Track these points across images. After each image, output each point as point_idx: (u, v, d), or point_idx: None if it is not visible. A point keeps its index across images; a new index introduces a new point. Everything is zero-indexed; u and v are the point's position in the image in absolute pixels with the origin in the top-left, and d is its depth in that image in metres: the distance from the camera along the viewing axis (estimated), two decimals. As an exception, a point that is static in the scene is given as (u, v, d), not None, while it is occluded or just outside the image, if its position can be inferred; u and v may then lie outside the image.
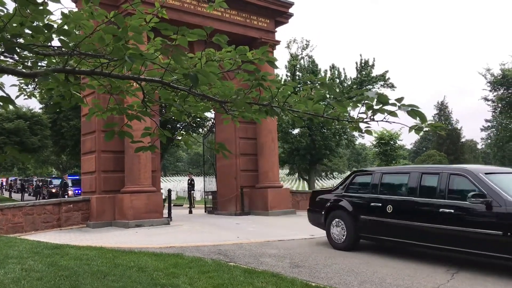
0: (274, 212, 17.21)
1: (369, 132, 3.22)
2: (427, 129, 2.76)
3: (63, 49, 2.93)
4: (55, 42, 3.04)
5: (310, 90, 3.03)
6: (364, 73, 33.89)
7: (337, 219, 9.68)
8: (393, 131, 32.38)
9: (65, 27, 2.84)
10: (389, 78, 34.03)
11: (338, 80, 34.51)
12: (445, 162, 51.23)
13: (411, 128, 2.75)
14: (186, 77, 2.70)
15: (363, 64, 34.20)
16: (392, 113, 2.66)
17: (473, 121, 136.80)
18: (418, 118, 2.65)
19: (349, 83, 34.25)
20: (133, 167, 14.25)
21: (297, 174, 63.54)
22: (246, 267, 7.51)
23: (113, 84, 3.41)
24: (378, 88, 34.18)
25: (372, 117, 2.79)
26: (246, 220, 15.79)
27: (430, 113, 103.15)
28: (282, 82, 2.74)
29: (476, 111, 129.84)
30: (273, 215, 17.00)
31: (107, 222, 14.17)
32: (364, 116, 2.84)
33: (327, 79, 34.46)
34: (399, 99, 2.79)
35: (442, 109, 75.85)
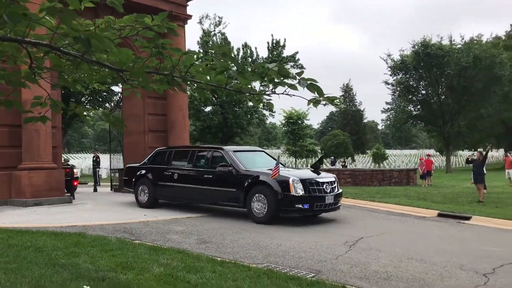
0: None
1: (270, 105, 3.25)
2: (324, 102, 2.83)
3: None
4: None
5: (212, 60, 2.96)
6: (275, 53, 34.42)
7: (142, 186, 12.51)
8: (301, 111, 33.40)
9: None
10: (299, 59, 34.91)
11: (250, 59, 34.71)
12: (348, 141, 54.06)
13: (309, 101, 2.80)
14: (77, 41, 2.50)
15: (274, 44, 34.68)
16: (292, 86, 2.69)
17: (375, 104, 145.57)
18: (316, 93, 2.71)
19: (261, 62, 34.62)
20: (31, 142, 13.26)
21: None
22: (152, 244, 7.37)
23: (-4, 47, 3.07)
24: (289, 68, 34.90)
25: (273, 90, 2.81)
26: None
27: (337, 94, 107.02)
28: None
29: (378, 94, 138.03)
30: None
31: (1, 201, 13.13)
32: (266, 89, 2.85)
33: (239, 58, 34.55)
34: (299, 73, 2.83)
35: (347, 91, 79.46)
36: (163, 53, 2.78)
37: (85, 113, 3.70)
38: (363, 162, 60.86)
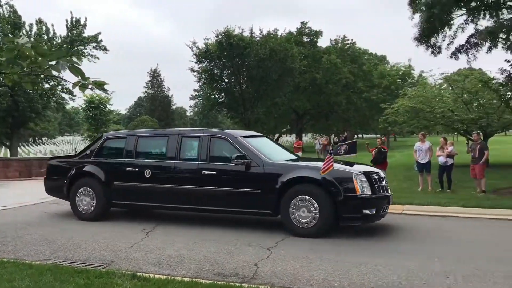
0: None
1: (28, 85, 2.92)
2: (91, 86, 2.66)
3: None
4: None
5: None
6: (75, 32, 31.99)
7: (84, 187, 8.84)
8: (103, 95, 31.83)
9: None
10: (101, 41, 33.12)
11: (46, 37, 31.58)
12: (157, 127, 53.88)
13: (74, 85, 2.62)
14: None
15: (74, 23, 32.20)
16: (53, 67, 2.46)
17: (184, 90, 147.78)
18: (80, 77, 2.54)
19: (59, 41, 31.83)
20: None
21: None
22: None
23: None
24: (91, 49, 32.96)
25: (37, 71, 2.54)
26: None
27: (145, 79, 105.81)
28: None
29: (187, 80, 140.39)
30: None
31: None
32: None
33: (32, 35, 31.12)
34: (69, 55, 2.62)
35: (155, 76, 78.84)
36: None
37: None
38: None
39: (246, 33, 40.90)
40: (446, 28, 15.62)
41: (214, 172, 7.85)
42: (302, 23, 51.24)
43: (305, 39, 51.01)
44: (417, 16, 15.41)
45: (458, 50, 15.49)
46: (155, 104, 74.25)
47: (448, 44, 15.98)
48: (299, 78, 45.96)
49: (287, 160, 8.18)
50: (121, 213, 9.57)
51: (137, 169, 8.47)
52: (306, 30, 51.23)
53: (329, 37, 76.86)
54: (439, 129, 26.43)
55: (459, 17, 15.51)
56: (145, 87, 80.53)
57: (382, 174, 7.98)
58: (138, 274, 5.14)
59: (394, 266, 5.50)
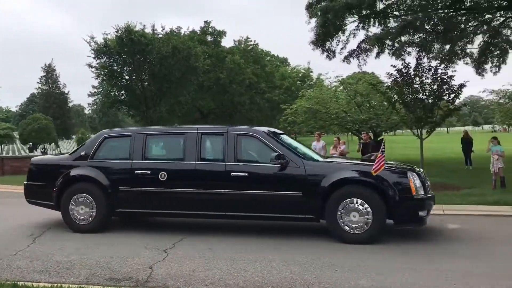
0: None
1: None
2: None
3: None
4: None
5: None
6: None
7: (80, 194, 7.58)
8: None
9: None
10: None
11: None
12: (51, 125, 50.63)
13: None
14: None
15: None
16: None
17: (82, 87, 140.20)
18: None
19: None
20: None
21: None
22: None
23: None
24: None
25: None
26: None
27: (37, 75, 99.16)
28: None
29: (85, 77, 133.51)
30: None
31: None
32: None
33: None
34: None
35: (49, 71, 74.04)
36: None
37: None
38: (68, 148, 58.05)
39: (148, 30, 39.94)
40: (340, 33, 16.59)
41: (246, 174, 7.01)
42: (205, 22, 51.31)
43: (209, 38, 51.16)
44: (313, 21, 16.19)
45: (350, 54, 16.50)
46: (50, 101, 69.79)
47: (342, 49, 17.00)
48: (203, 77, 45.91)
49: (326, 160, 7.73)
50: (4, 218, 8.85)
51: (149, 172, 7.37)
52: (210, 30, 51.41)
53: (232, 37, 77.59)
54: (334, 129, 27.89)
55: (351, 23, 16.55)
56: (38, 82, 75.44)
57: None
58: (20, 283, 4.78)
59: (287, 262, 5.69)
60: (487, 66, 19.09)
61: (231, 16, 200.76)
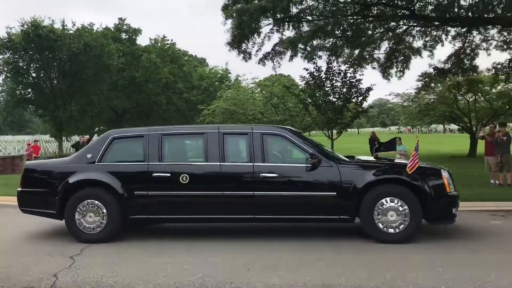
0: None
1: None
2: None
3: None
4: None
5: None
6: None
7: (88, 201, 6.85)
8: None
9: None
10: None
11: None
12: None
13: None
14: None
15: None
16: None
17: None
18: None
19: None
20: None
21: None
22: None
23: None
24: None
25: None
26: None
27: None
28: None
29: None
30: None
31: None
32: None
33: None
34: None
35: None
36: None
37: None
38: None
39: (58, 25, 37.89)
40: (255, 36, 16.82)
41: (276, 175, 6.73)
42: (120, 19, 49.70)
43: (124, 36, 49.57)
44: (229, 22, 16.28)
45: (265, 57, 16.82)
46: None
47: (257, 51, 17.26)
48: (117, 76, 44.43)
49: (357, 159, 7.56)
50: None
51: (168, 174, 6.85)
52: (125, 27, 49.82)
53: (148, 36, 75.91)
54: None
55: (266, 26, 16.86)
56: None
57: None
58: None
59: (200, 263, 5.66)
60: (393, 71, 20.36)
61: (147, 15, 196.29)
